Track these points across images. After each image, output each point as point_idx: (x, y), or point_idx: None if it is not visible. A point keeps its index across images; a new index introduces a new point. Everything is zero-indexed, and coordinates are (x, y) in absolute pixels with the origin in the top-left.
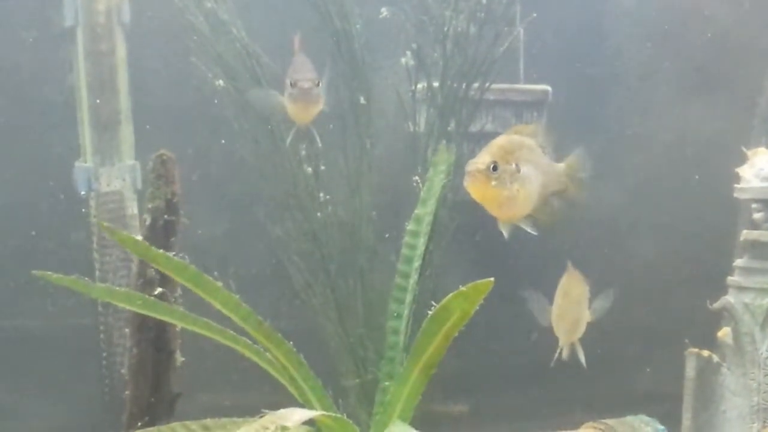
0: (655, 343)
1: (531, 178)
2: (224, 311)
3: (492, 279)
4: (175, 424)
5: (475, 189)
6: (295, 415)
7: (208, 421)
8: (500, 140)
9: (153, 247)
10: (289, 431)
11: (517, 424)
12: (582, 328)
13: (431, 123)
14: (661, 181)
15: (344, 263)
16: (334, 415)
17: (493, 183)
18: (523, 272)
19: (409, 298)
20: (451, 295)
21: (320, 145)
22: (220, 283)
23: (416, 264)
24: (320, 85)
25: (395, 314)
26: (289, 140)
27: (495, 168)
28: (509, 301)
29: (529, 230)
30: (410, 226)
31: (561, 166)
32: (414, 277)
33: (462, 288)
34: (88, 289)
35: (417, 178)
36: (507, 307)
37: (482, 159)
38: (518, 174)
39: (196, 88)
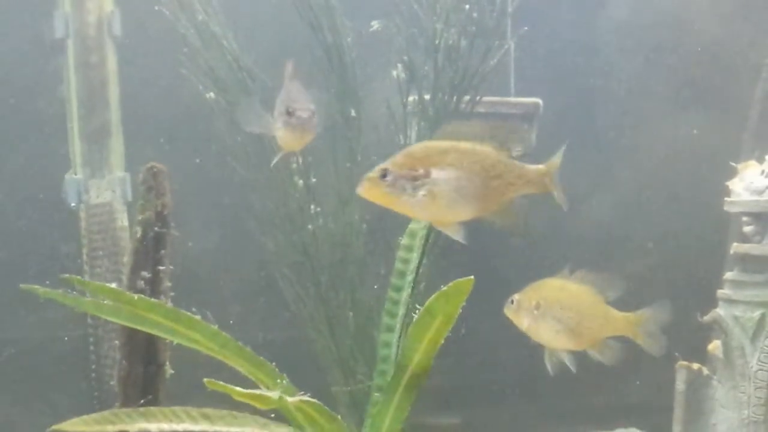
0: (645, 356)
1: (446, 183)
2: (203, 341)
3: (472, 278)
4: (176, 408)
5: (366, 195)
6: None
7: (209, 411)
8: (415, 146)
9: (126, 292)
10: None
11: None
12: (578, 339)
13: (422, 136)
14: (652, 194)
15: (334, 275)
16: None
17: (386, 189)
18: (518, 285)
19: (401, 311)
20: (433, 296)
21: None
22: (198, 317)
23: (409, 278)
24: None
25: (387, 327)
26: (273, 163)
27: (385, 175)
28: (501, 312)
29: (456, 238)
30: (404, 241)
31: (531, 168)
32: (407, 291)
33: (443, 288)
34: (77, 303)
35: None
36: (499, 319)
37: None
38: (427, 179)
39: (187, 100)
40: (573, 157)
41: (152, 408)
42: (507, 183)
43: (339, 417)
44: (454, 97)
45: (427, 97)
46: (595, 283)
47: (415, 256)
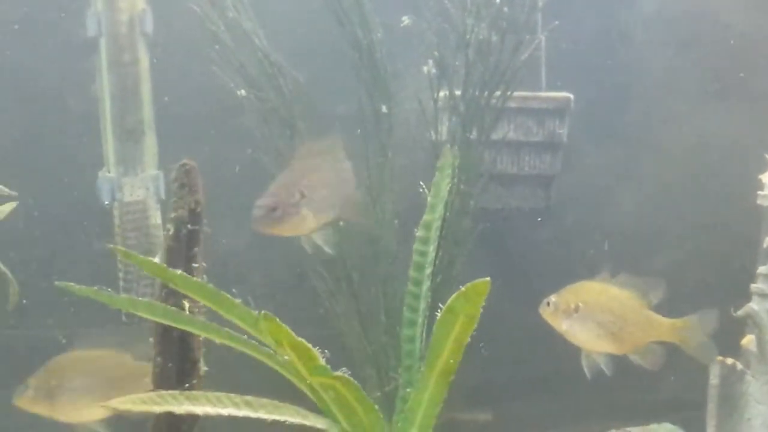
0: (679, 351)
1: (318, 198)
2: (243, 327)
3: (488, 279)
4: (220, 394)
5: (263, 231)
6: None
7: (251, 398)
8: (283, 176)
9: (169, 269)
10: None
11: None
12: (619, 344)
13: (453, 131)
14: (683, 188)
15: (367, 272)
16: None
17: (277, 218)
18: (546, 280)
19: (422, 305)
20: (452, 297)
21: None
22: (238, 300)
23: (428, 271)
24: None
25: (409, 322)
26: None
27: (275, 209)
28: (532, 308)
29: (326, 249)
30: (419, 233)
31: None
32: (426, 284)
33: (461, 288)
34: (111, 300)
35: (422, 183)
36: (530, 314)
37: (263, 201)
38: (303, 200)
39: (218, 97)
40: (603, 151)
41: (196, 392)
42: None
43: (376, 407)
44: (485, 93)
45: (457, 92)
46: (637, 287)
47: (431, 248)
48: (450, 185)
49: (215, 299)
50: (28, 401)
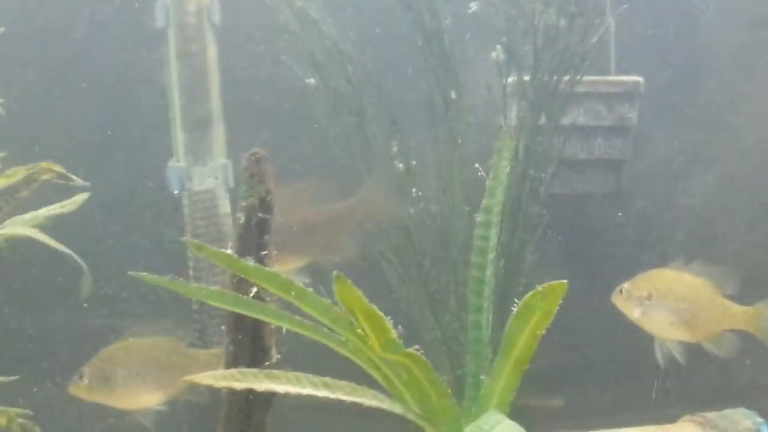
0: (754, 336)
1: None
2: (316, 315)
3: (566, 281)
4: (299, 374)
5: None
6: None
7: (329, 380)
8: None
9: (242, 259)
10: None
11: (613, 418)
12: (693, 332)
13: (522, 117)
14: (756, 171)
15: (437, 258)
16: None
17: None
18: (617, 266)
19: (487, 290)
20: (529, 294)
21: None
22: (310, 290)
23: (491, 255)
24: None
25: (475, 308)
26: None
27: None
28: (604, 294)
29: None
30: (480, 217)
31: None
32: (490, 269)
33: (539, 288)
34: (184, 289)
35: (477, 165)
36: (601, 300)
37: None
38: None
39: (287, 86)
40: (674, 134)
41: (276, 371)
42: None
43: (449, 391)
44: (554, 78)
45: (526, 77)
46: (711, 275)
47: (493, 233)
48: (509, 168)
49: (287, 288)
50: (83, 390)
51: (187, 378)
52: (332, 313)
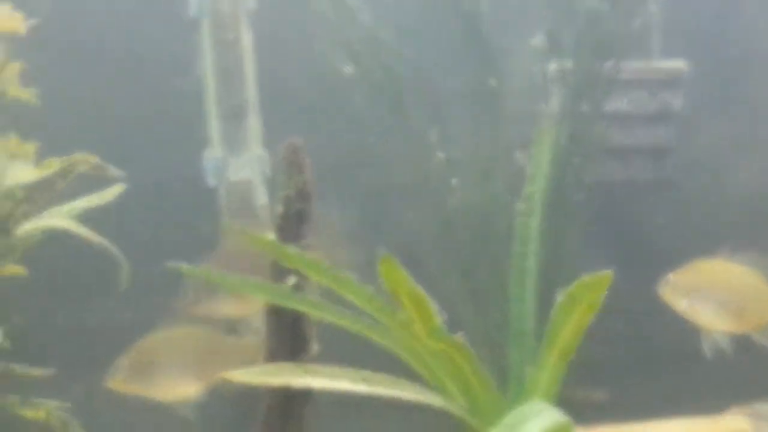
0: None
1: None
2: (358, 304)
3: (611, 272)
4: (336, 368)
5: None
6: None
7: (368, 374)
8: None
9: (284, 246)
10: None
11: (660, 410)
12: (741, 323)
13: (564, 104)
14: None
15: (479, 249)
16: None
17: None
18: (662, 255)
19: (529, 281)
20: (573, 285)
21: None
22: (352, 276)
23: (533, 245)
24: None
25: (517, 298)
26: None
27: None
28: (649, 284)
29: None
30: (521, 206)
31: None
32: (533, 259)
33: (583, 278)
34: (222, 281)
35: (518, 152)
36: (646, 291)
37: None
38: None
39: (324, 75)
40: (720, 121)
41: (314, 365)
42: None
43: (494, 384)
44: (597, 64)
45: (568, 64)
46: (759, 266)
47: (535, 222)
48: (551, 156)
49: (329, 275)
50: (120, 382)
51: (221, 375)
52: (375, 301)
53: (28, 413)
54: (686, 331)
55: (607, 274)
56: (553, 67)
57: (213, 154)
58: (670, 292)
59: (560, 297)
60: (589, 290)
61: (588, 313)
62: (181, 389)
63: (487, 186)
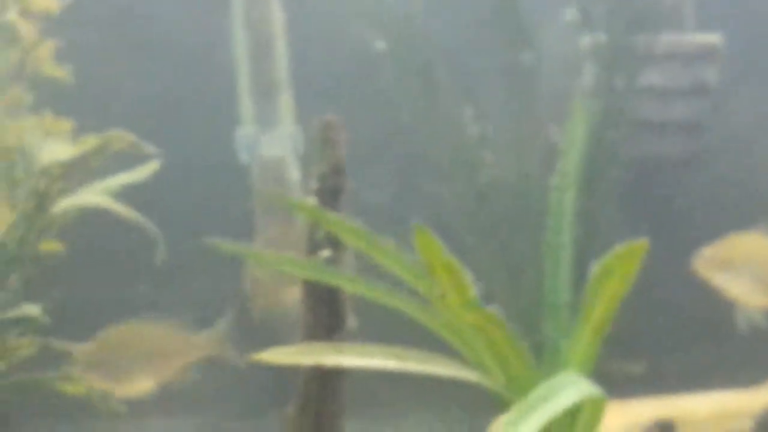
0: None
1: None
2: (398, 272)
3: (645, 241)
4: (368, 345)
5: None
6: None
7: (399, 350)
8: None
9: (326, 210)
10: None
11: (696, 383)
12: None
13: (597, 78)
14: None
15: (514, 224)
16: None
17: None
18: (697, 229)
19: (564, 255)
20: (607, 255)
21: None
22: (392, 243)
23: (567, 219)
24: None
25: (551, 273)
26: None
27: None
28: (685, 258)
29: None
30: (555, 181)
31: None
32: (567, 234)
33: (617, 249)
34: (258, 258)
35: (553, 128)
36: (683, 264)
37: None
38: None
39: (356, 52)
40: (756, 96)
41: (344, 344)
42: None
43: (530, 357)
44: (630, 38)
45: (602, 38)
46: None
47: (569, 196)
48: (584, 131)
49: (369, 241)
50: (78, 372)
51: (255, 356)
52: (414, 269)
53: (69, 388)
54: (721, 305)
55: (641, 244)
56: (586, 41)
57: (245, 131)
58: (705, 267)
59: (595, 268)
60: (624, 261)
61: (623, 284)
62: (136, 383)
63: (521, 161)
